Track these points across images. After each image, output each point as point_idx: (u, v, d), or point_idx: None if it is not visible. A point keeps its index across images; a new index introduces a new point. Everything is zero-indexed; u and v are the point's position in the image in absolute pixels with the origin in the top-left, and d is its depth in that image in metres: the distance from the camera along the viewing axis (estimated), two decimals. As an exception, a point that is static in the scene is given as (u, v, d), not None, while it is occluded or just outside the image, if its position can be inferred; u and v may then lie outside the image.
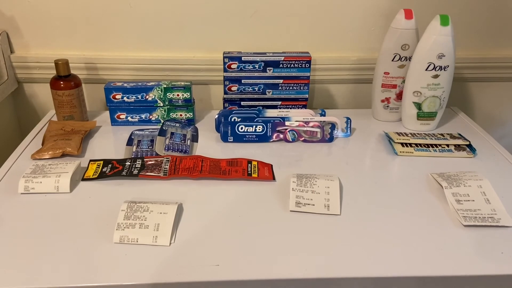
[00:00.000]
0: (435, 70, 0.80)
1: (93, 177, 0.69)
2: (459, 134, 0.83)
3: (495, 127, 1.10)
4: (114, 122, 0.88)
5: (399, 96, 0.89)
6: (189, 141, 0.81)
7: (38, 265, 0.52)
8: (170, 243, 0.56)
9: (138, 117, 0.88)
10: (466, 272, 0.53)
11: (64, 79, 0.83)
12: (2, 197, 0.65)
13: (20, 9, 0.91)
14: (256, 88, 0.89)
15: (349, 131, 0.85)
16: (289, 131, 0.82)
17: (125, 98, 0.86)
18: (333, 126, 0.83)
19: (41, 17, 0.92)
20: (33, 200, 0.64)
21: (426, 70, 0.81)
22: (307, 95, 0.90)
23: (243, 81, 0.88)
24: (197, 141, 0.83)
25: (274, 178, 0.70)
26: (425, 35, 0.80)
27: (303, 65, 0.87)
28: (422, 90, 0.83)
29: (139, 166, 0.71)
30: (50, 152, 0.74)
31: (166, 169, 0.70)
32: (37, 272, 0.51)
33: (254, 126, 0.82)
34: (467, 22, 0.96)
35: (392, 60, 0.85)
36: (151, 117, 0.88)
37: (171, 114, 0.88)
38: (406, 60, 0.85)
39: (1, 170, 0.72)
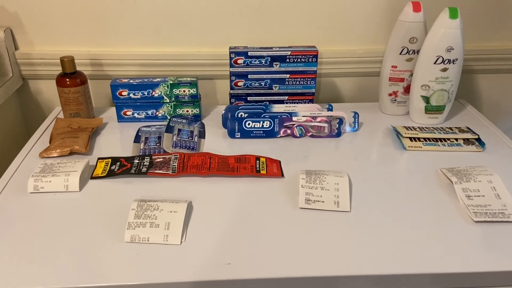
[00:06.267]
0: (443, 63, 0.80)
1: (102, 175, 0.69)
2: (468, 128, 0.82)
3: (503, 118, 1.09)
4: (120, 118, 0.88)
5: (407, 90, 0.88)
6: (196, 137, 0.80)
7: (48, 265, 0.52)
8: (181, 242, 0.56)
9: (144, 113, 0.87)
10: (477, 269, 0.53)
11: (70, 76, 0.83)
12: (11, 197, 0.65)
13: (23, 5, 0.90)
14: (263, 83, 0.89)
15: (356, 126, 0.85)
16: (296, 127, 0.82)
17: (131, 95, 0.85)
18: (340, 121, 0.83)
19: (45, 13, 0.91)
20: (43, 199, 0.64)
21: (434, 63, 0.80)
22: (314, 90, 0.90)
23: (249, 76, 0.88)
24: (204, 137, 0.82)
25: (282, 175, 0.70)
26: (433, 28, 0.79)
27: (310, 60, 0.86)
28: (430, 84, 0.82)
29: (148, 163, 0.71)
30: (58, 150, 0.74)
31: (174, 166, 0.70)
32: (48, 272, 0.51)
33: (261, 122, 0.81)
34: (475, 13, 0.95)
35: (400, 54, 0.85)
36: (157, 113, 0.87)
37: (177, 110, 0.87)
38: (414, 54, 0.84)
39: (9, 169, 0.72)
